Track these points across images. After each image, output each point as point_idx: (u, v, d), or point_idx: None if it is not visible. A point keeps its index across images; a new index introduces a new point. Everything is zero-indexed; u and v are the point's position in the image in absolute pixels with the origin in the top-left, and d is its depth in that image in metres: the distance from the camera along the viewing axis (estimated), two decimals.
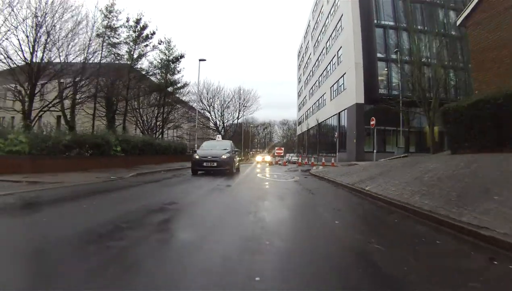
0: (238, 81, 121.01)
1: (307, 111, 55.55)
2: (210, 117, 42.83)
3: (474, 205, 4.29)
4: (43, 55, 13.71)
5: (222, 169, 12.24)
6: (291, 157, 40.17)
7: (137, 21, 18.61)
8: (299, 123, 66.16)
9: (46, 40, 13.39)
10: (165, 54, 22.38)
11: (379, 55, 29.48)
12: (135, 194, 6.96)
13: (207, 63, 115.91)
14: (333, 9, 37.95)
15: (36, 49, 13.36)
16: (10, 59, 12.96)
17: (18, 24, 12.89)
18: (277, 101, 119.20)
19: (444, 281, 2.42)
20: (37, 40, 13.32)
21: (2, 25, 12.53)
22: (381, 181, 7.64)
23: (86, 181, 8.51)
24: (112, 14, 16.92)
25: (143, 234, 3.46)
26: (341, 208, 5.93)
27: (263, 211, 5.28)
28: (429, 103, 19.96)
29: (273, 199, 6.91)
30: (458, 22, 11.82)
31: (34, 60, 13.50)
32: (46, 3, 13.40)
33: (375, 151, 19.66)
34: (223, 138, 30.65)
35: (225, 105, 43.24)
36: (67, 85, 15.37)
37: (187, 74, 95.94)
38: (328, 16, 40.48)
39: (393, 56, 28.37)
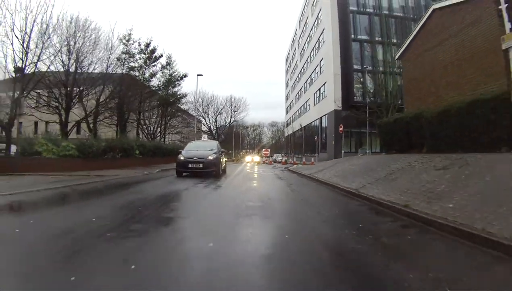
0: (229, 81, 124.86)
1: (294, 114, 59.72)
2: (205, 122, 46.97)
3: (356, 179, 8.28)
4: (73, 82, 17.35)
5: (208, 171, 11.79)
6: (278, 157, 44.36)
7: (147, 45, 22.56)
8: (287, 125, 70.25)
9: (75, 70, 17.05)
10: (168, 70, 26.18)
11: (355, 66, 33.63)
12: (172, 180, 10.73)
13: (200, 67, 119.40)
14: (316, 22, 42.11)
15: (69, 78, 17.00)
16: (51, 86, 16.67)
17: (56, 53, 16.50)
18: (266, 101, 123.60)
19: (334, 204, 6.33)
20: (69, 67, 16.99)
21: (43, 53, 16.09)
22: (326, 171, 11.85)
23: (131, 175, 12.28)
24: (129, 42, 20.80)
25: (196, 191, 7.37)
26: (293, 183, 10.35)
27: (253, 184, 9.29)
28: (387, 110, 24.11)
29: (258, 181, 11.24)
30: (396, 57, 15.91)
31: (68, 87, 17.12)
32: (75, 33, 17.09)
33: (343, 151, 23.71)
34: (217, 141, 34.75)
35: (218, 112, 47.46)
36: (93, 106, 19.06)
37: (184, 83, 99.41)
38: (312, 28, 44.68)
39: (369, 67, 32.52)
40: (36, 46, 14.88)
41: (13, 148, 15.03)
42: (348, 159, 15.46)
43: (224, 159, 15.24)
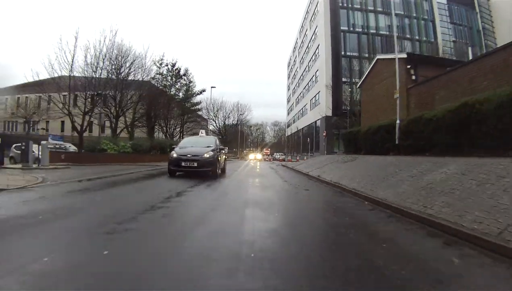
0: (233, 80, 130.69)
1: (294, 116, 65.68)
2: (215, 124, 53.60)
3: (312, 167, 14.24)
4: (121, 96, 23.28)
5: (203, 170, 10.78)
6: (277, 155, 50.51)
7: (173, 65, 28.78)
8: (288, 125, 76.20)
9: (121, 90, 22.99)
10: (185, 81, 32.37)
11: (344, 79, 39.46)
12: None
13: (206, 66, 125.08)
14: (313, 36, 48.00)
15: (117, 96, 22.96)
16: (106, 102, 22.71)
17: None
18: (269, 99, 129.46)
19: (296, 178, 12.25)
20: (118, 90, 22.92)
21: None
22: (301, 165, 17.86)
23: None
24: (162, 65, 27.03)
25: (240, 172, 13.29)
26: (279, 171, 16.23)
27: (255, 171, 15.18)
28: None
29: (259, 171, 16.94)
30: (358, 86, 21.77)
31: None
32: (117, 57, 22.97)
33: (325, 151, 29.57)
34: (223, 140, 41.09)
35: (226, 116, 54.22)
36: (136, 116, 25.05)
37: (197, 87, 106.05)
38: (310, 41, 50.60)
39: (356, 80, 38.33)
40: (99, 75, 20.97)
41: (67, 145, 21.13)
42: (318, 157, 21.55)
43: (224, 157, 14.01)
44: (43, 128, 44.38)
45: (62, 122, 43.69)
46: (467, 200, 4.40)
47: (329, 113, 38.02)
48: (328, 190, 8.92)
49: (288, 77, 78.72)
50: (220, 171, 12.41)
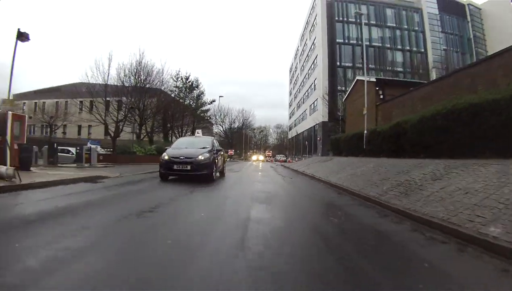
0: (238, 81, 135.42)
1: (295, 120, 70.18)
2: (222, 129, 58.57)
3: (302, 166, 18.67)
4: (144, 106, 27.81)
5: (197, 174, 9.92)
6: (278, 157, 55.07)
7: (187, 78, 33.47)
8: (290, 129, 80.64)
9: (144, 101, 27.51)
10: (197, 91, 37.09)
11: (339, 87, 43.85)
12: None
13: (209, 67, 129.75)
14: (312, 46, 52.48)
15: (140, 106, 27.49)
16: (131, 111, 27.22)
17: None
18: (273, 100, 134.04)
19: (290, 174, 16.71)
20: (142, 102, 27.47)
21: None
22: (296, 164, 22.29)
23: None
24: (178, 79, 31.69)
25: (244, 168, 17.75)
26: (278, 169, 20.60)
27: (258, 167, 19.62)
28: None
29: (261, 169, 21.42)
30: (343, 100, 26.14)
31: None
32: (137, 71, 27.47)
33: (321, 153, 33.95)
34: (229, 143, 46.16)
35: (232, 121, 59.30)
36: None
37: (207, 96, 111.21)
38: (309, 50, 55.06)
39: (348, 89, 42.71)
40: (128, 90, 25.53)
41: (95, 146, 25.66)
42: (310, 158, 25.96)
43: (222, 159, 13.12)
44: (63, 132, 49.09)
45: (79, 126, 48.77)
46: (372, 180, 8.83)
47: (326, 119, 42.42)
48: (305, 179, 13.48)
49: (290, 82, 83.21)
50: (218, 174, 12.07)
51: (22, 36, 10.58)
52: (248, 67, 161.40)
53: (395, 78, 22.13)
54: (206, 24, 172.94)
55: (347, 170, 11.83)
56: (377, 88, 19.00)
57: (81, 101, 46.53)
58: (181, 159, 9.91)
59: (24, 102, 51.10)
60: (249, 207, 5.74)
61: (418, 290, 2.23)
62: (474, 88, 10.10)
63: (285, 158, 51.70)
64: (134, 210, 4.85)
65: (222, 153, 13.16)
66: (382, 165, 10.10)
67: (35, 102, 51.91)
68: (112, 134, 24.26)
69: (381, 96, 19.04)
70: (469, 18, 59.15)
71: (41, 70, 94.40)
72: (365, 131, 16.24)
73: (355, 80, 22.48)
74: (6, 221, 3.89)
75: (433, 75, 42.26)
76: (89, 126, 33.13)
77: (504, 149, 6.73)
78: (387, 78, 21.80)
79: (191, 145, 11.37)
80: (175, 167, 9.91)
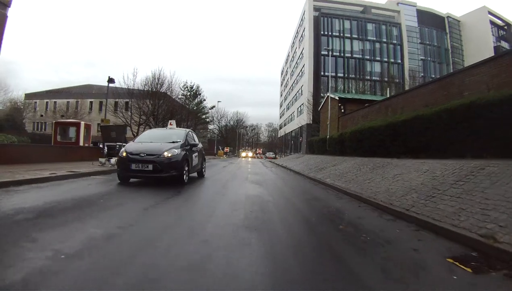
0: (230, 79, 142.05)
1: (284, 120, 77.39)
2: (218, 129, 65.67)
3: (284, 161, 25.86)
4: (157, 111, 34.63)
5: (162, 176, 8.06)
6: (268, 154, 62.35)
7: (191, 87, 40.33)
8: (280, 127, 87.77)
9: (158, 107, 34.36)
10: (198, 98, 44.09)
11: (322, 94, 51.02)
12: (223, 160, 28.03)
13: (202, 65, 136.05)
14: (301, 55, 59.61)
15: (154, 111, 34.36)
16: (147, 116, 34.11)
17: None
18: (265, 98, 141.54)
19: (272, 166, 23.80)
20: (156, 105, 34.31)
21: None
22: (280, 160, 29.48)
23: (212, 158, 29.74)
24: (185, 88, 38.59)
25: (237, 166, 24.78)
26: (265, 163, 27.70)
27: (248, 161, 26.73)
28: None
29: (250, 162, 28.44)
30: (319, 109, 33.28)
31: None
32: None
33: (304, 152, 41.13)
34: (224, 141, 53.68)
35: (227, 122, 66.96)
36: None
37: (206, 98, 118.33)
38: (298, 58, 62.21)
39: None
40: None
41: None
42: (292, 155, 33.11)
43: (200, 157, 10.81)
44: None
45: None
46: (318, 167, 15.98)
47: (310, 122, 49.57)
48: (282, 169, 20.56)
49: (281, 84, 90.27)
50: (196, 175, 10.98)
51: (112, 81, 17.40)
52: (241, 66, 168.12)
53: (355, 97, 28.70)
54: (201, 23, 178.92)
55: (306, 162, 19.05)
56: (340, 104, 26.12)
57: (91, 102, 53.27)
58: (142, 156, 7.97)
59: (36, 102, 57.14)
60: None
61: (322, 208, 9.31)
62: (396, 112, 17.13)
63: (274, 155, 58.93)
64: None
65: (199, 148, 10.54)
66: (328, 159, 17.28)
67: (47, 102, 57.63)
68: (136, 134, 31.02)
69: (342, 111, 26.14)
70: (447, 30, 66.78)
71: (49, 71, 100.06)
72: (327, 137, 23.42)
73: (326, 96, 29.61)
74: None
75: (407, 85, 49.89)
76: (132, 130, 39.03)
77: (392, 153, 13.89)
78: (348, 96, 28.52)
79: (158, 139, 9.26)
80: (133, 166, 7.91)
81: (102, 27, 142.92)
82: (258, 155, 66.51)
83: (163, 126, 36.34)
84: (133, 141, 9.48)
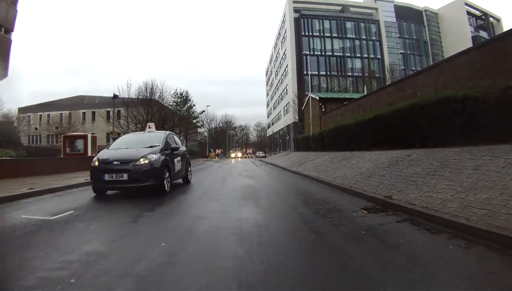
0: (216, 80, 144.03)
1: (272, 119, 79.87)
2: (208, 131, 67.98)
3: (272, 159, 28.30)
4: (151, 119, 36.77)
5: (138, 185, 7.19)
6: (258, 153, 64.84)
7: (181, 94, 42.62)
8: (268, 127, 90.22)
9: (151, 114, 36.51)
10: (188, 103, 46.29)
11: (306, 93, 53.54)
12: (222, 162, 30.33)
13: (188, 66, 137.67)
14: (284, 56, 62.12)
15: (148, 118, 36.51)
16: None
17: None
18: (252, 98, 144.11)
19: (261, 164, 26.23)
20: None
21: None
22: (269, 158, 32.05)
23: (200, 161, 31.95)
24: (175, 95, 40.81)
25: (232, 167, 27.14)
26: (255, 162, 30.19)
27: (238, 161, 29.10)
28: None
29: (241, 162, 30.84)
30: (302, 108, 35.75)
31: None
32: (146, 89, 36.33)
33: (292, 150, 43.64)
34: (215, 142, 56.23)
35: (217, 124, 69.53)
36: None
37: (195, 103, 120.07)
38: (281, 59, 64.70)
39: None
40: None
41: None
42: (280, 153, 35.58)
43: (184, 161, 10.05)
44: None
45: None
46: (304, 165, 18.42)
47: (296, 120, 52.09)
48: (270, 166, 22.97)
49: (266, 84, 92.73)
50: (181, 181, 10.31)
51: (116, 97, 19.57)
52: (226, 67, 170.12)
53: (334, 96, 31.17)
54: (185, 26, 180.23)
55: (291, 159, 21.49)
56: (320, 104, 28.62)
57: (83, 113, 54.86)
58: (115, 164, 7.26)
59: (29, 115, 58.62)
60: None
61: (294, 189, 11.70)
62: (366, 110, 19.58)
63: (264, 154, 61.43)
64: None
65: (181, 152, 9.97)
66: (310, 155, 19.73)
67: (40, 115, 58.90)
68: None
69: (323, 110, 28.63)
70: (425, 23, 69.93)
71: (35, 82, 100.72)
72: (310, 134, 25.89)
73: (308, 96, 32.11)
74: None
75: (388, 79, 52.71)
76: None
77: (362, 146, 16.33)
78: (328, 96, 30.97)
79: (135, 144, 8.51)
80: (106, 176, 7.19)
81: (85, 34, 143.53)
82: (248, 155, 69.03)
83: None
84: (107, 149, 8.54)
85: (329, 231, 4.22)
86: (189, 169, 10.91)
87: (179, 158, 9.29)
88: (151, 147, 8.03)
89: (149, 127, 10.87)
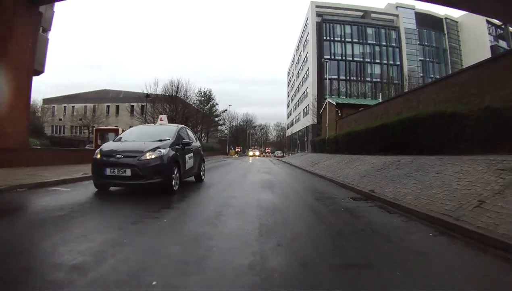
0: (238, 80, 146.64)
1: (292, 120, 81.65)
2: (229, 130, 70.64)
3: (289, 159, 30.25)
4: (175, 115, 39.34)
5: (144, 183, 6.63)
6: (277, 153, 66.80)
7: (205, 93, 45.06)
8: (288, 127, 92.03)
9: (177, 112, 39.02)
10: (211, 102, 48.71)
11: (325, 96, 55.11)
12: (238, 159, 32.54)
13: (209, 67, 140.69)
14: (305, 59, 63.79)
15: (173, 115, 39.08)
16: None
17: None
18: (273, 98, 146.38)
19: (279, 163, 28.23)
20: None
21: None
22: (287, 158, 33.98)
23: (220, 158, 34.17)
24: (199, 94, 43.33)
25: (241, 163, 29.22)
26: (272, 161, 32.19)
27: (256, 160, 31.17)
28: None
29: (259, 160, 32.89)
30: (320, 112, 37.45)
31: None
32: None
33: (306, 150, 45.39)
34: (235, 140, 58.84)
35: (238, 123, 72.04)
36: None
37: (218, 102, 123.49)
38: (303, 62, 66.38)
39: (334, 96, 54.07)
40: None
41: None
42: (298, 154, 37.52)
43: (197, 158, 9.39)
44: (90, 133, 60.00)
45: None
46: (316, 165, 20.34)
47: (315, 122, 53.78)
48: (286, 165, 24.91)
49: (288, 85, 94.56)
50: (194, 179, 9.79)
51: (148, 97, 21.96)
52: (248, 67, 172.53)
53: (350, 102, 32.81)
54: (208, 25, 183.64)
55: (306, 159, 23.41)
56: (337, 109, 30.34)
57: (108, 106, 57.84)
58: (118, 158, 6.63)
59: (54, 106, 62.01)
60: None
61: (305, 184, 13.71)
62: (377, 118, 21.26)
63: (282, 154, 63.26)
64: None
65: (195, 148, 9.32)
66: (323, 157, 21.58)
67: (64, 106, 62.20)
68: None
69: (340, 114, 30.34)
70: (445, 31, 70.09)
71: (60, 75, 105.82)
72: (326, 137, 27.67)
73: (326, 101, 33.86)
74: None
75: (406, 85, 53.73)
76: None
77: (370, 151, 18.12)
78: (344, 102, 32.63)
79: (144, 136, 8.01)
80: (107, 171, 6.62)
81: (108, 29, 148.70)
82: (266, 154, 71.18)
83: None
84: (113, 140, 8.18)
85: (320, 208, 6.24)
86: (203, 167, 10.33)
87: (191, 154, 8.68)
88: (160, 140, 7.44)
89: (161, 120, 10.01)
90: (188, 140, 8.63)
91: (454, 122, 10.04)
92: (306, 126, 59.33)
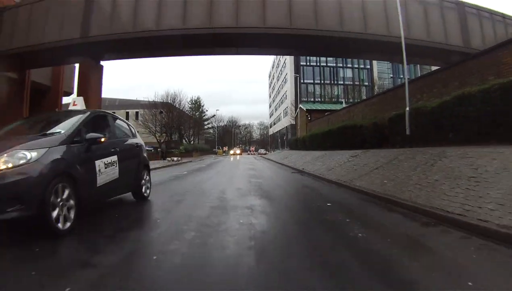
0: (222, 80, 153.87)
1: (274, 120, 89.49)
2: (217, 131, 78.13)
3: (269, 155, 38.19)
4: (172, 121, 46.76)
5: None
6: (260, 151, 74.68)
7: (196, 101, 52.45)
8: (270, 126, 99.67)
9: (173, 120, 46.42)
10: (200, 108, 56.17)
11: (303, 99, 63.19)
12: (224, 158, 40.10)
13: (196, 72, 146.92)
14: (284, 64, 71.56)
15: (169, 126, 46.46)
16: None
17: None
18: (255, 97, 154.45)
19: (261, 160, 35.96)
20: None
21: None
22: (269, 155, 41.92)
23: (212, 157, 41.70)
24: (191, 102, 50.78)
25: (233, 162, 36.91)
26: (256, 157, 39.99)
27: (240, 157, 38.92)
28: None
29: (241, 157, 40.61)
30: (294, 115, 45.39)
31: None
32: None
33: (286, 147, 53.38)
34: (221, 141, 66.98)
35: (224, 125, 79.58)
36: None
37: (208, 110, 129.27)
38: (282, 66, 74.23)
39: (310, 99, 62.11)
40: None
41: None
42: (277, 151, 45.59)
43: (116, 163, 5.38)
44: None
45: None
46: (287, 159, 28.23)
47: (293, 123, 61.66)
48: (266, 160, 32.68)
49: (269, 86, 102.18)
50: (132, 196, 6.66)
51: (162, 113, 29.43)
52: (231, 67, 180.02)
53: (318, 108, 40.64)
54: None
55: (282, 155, 31.31)
56: (307, 113, 38.20)
57: (113, 112, 64.73)
58: None
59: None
60: None
61: (278, 172, 21.51)
62: (333, 123, 29.10)
63: (265, 151, 71.11)
64: None
65: (125, 147, 6.15)
66: (294, 153, 29.51)
67: None
68: (163, 140, 42.93)
69: (309, 118, 38.20)
70: None
71: None
72: (298, 138, 35.54)
73: (298, 107, 41.77)
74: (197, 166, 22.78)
75: (376, 87, 62.00)
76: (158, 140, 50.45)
77: (327, 147, 26.01)
78: (313, 108, 40.48)
79: (19, 130, 5.22)
80: None
81: None
82: (250, 152, 78.87)
83: (178, 136, 49.07)
84: None
85: (280, 174, 14.06)
86: (146, 177, 7.15)
87: (112, 158, 5.31)
88: (44, 134, 4.37)
89: (74, 105, 6.53)
90: (100, 135, 4.89)
91: (360, 131, 17.93)
92: (286, 126, 66.99)
